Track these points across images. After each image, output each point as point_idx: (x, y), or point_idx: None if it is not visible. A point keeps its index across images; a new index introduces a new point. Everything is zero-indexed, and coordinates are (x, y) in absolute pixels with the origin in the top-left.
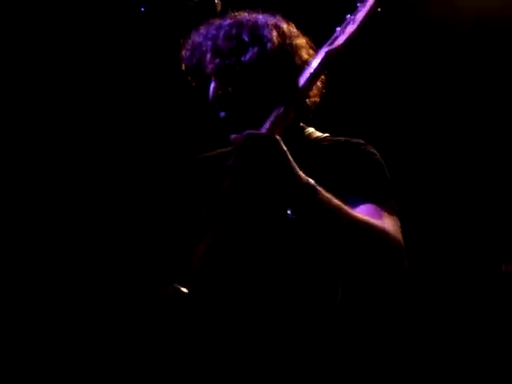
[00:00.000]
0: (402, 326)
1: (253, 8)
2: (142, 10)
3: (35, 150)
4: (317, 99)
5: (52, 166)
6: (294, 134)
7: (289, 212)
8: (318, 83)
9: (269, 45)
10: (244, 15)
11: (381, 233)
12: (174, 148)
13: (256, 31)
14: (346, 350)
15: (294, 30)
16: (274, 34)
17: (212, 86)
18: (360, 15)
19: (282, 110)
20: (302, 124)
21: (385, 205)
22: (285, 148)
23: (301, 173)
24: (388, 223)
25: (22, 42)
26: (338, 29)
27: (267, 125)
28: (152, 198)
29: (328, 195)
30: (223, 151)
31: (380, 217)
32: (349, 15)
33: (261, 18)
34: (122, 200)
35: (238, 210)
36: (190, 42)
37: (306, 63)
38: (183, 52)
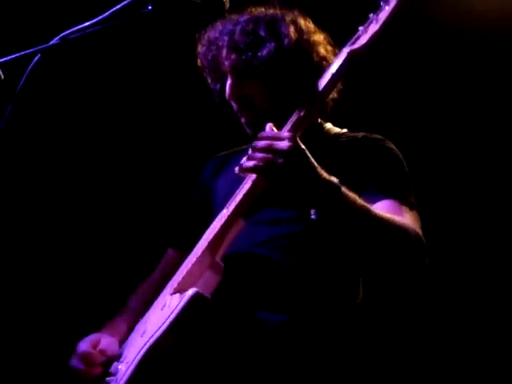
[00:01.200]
0: (421, 329)
1: (262, 5)
2: (150, 8)
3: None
4: (335, 95)
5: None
6: (314, 130)
7: (312, 214)
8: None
9: (286, 40)
10: (261, 11)
11: (404, 231)
12: (190, 146)
13: (273, 27)
14: (362, 350)
15: (311, 25)
16: (292, 29)
17: (228, 82)
18: (383, 14)
19: (303, 111)
20: (320, 120)
21: (405, 201)
22: (307, 152)
23: (323, 172)
24: (409, 219)
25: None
26: (361, 28)
27: (288, 126)
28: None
29: (352, 194)
30: (240, 149)
31: (401, 213)
32: (371, 14)
33: (278, 13)
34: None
35: (259, 209)
36: (205, 37)
37: (324, 59)
38: (199, 47)
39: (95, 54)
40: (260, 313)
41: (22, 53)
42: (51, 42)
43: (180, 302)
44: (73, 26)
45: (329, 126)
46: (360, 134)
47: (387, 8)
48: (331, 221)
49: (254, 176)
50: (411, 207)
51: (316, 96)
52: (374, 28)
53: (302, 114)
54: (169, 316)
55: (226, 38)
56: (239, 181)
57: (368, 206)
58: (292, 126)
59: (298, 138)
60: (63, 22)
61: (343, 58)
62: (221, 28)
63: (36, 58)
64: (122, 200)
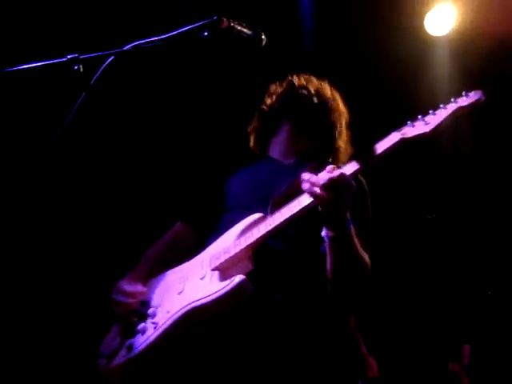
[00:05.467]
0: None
1: None
2: (205, 34)
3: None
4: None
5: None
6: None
7: (323, 233)
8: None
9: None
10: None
11: (367, 269)
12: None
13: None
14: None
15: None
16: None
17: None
18: (436, 119)
19: (359, 166)
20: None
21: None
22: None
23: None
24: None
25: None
26: (409, 122)
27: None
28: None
29: (354, 233)
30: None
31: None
32: (420, 116)
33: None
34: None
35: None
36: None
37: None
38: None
39: (157, 63)
40: (267, 292)
41: (100, 53)
42: (125, 48)
43: (230, 284)
44: (144, 37)
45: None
46: None
47: (443, 113)
48: (335, 244)
49: (307, 200)
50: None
51: (370, 158)
52: (424, 127)
53: (358, 167)
54: (217, 291)
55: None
56: (251, 185)
57: (358, 246)
58: (352, 174)
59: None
60: (136, 34)
61: (395, 140)
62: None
63: (110, 59)
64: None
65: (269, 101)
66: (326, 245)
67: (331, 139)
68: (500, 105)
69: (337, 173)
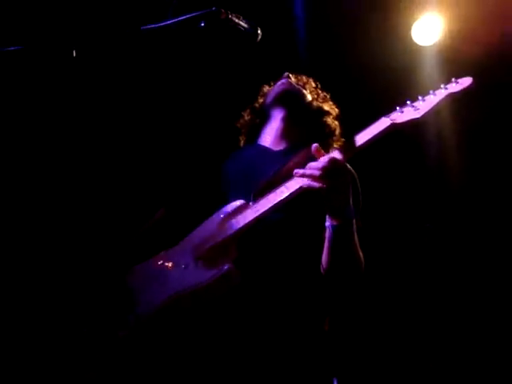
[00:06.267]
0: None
1: None
2: (202, 24)
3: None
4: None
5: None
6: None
7: (327, 223)
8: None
9: None
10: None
11: (361, 262)
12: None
13: None
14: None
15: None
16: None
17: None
18: (427, 105)
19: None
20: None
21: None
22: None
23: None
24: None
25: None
26: (398, 108)
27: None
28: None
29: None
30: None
31: None
32: (409, 101)
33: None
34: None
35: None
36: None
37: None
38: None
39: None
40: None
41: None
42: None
43: (218, 272)
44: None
45: None
46: None
47: (434, 100)
48: (338, 232)
49: (294, 185)
50: None
51: (353, 146)
52: (413, 112)
53: (346, 152)
54: (205, 280)
55: None
56: (240, 171)
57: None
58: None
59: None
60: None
61: (385, 125)
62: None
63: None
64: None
65: (261, 100)
66: (327, 234)
67: (323, 131)
68: (489, 113)
69: (326, 159)
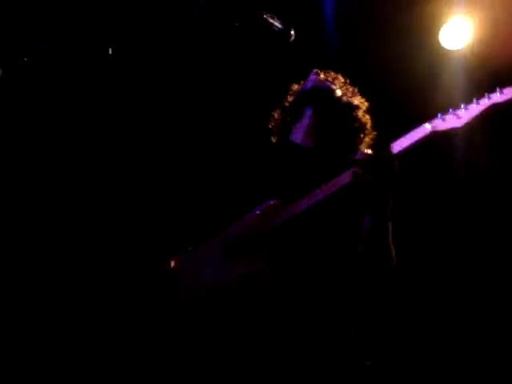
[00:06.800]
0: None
1: None
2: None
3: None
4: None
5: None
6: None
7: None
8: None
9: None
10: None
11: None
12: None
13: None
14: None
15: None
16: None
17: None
18: (469, 114)
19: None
20: None
21: None
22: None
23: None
24: None
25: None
26: (440, 115)
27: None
28: None
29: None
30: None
31: None
32: (451, 109)
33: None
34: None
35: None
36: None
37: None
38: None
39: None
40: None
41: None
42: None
43: (251, 270)
44: None
45: None
46: None
47: (476, 109)
48: (372, 234)
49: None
50: None
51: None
52: (454, 123)
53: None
54: (234, 278)
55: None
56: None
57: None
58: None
59: None
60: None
61: (425, 133)
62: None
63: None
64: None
65: (291, 99)
66: (366, 225)
67: (354, 135)
68: None
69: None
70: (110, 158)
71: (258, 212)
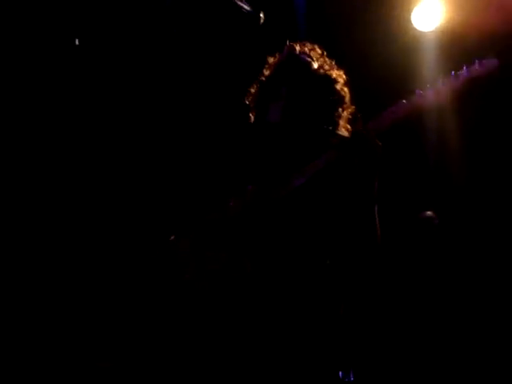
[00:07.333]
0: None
1: None
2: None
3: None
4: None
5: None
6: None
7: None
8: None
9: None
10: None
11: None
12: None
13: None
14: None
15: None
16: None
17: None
18: (446, 88)
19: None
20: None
21: None
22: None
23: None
24: None
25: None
26: (417, 91)
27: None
28: None
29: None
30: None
31: None
32: (429, 85)
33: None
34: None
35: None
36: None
37: None
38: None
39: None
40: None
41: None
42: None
43: (230, 260)
44: None
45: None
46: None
47: (458, 79)
48: (359, 204)
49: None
50: None
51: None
52: (434, 96)
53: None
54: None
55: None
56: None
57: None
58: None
59: None
60: None
61: (404, 108)
62: None
63: None
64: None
65: (267, 72)
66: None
67: (332, 111)
68: (491, 102)
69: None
70: (94, 142)
71: (235, 198)
